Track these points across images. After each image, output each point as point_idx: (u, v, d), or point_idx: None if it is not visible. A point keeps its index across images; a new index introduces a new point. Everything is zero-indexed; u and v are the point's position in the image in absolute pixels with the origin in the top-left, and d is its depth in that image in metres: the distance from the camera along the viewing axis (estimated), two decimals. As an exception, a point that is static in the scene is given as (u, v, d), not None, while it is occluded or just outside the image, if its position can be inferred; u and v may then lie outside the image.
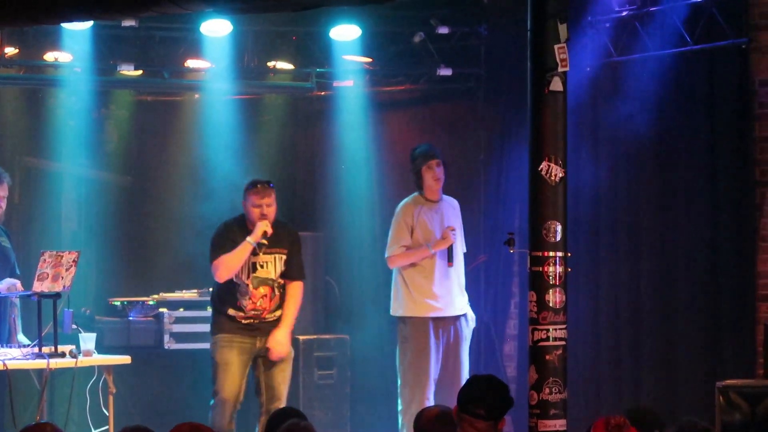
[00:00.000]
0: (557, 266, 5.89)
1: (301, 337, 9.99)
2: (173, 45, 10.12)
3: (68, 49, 9.85)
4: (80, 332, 8.42)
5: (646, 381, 9.02)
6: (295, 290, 8.49)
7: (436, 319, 8.93)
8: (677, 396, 8.79)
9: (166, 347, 10.00)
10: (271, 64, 10.51)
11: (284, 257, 8.45)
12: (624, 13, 9.21)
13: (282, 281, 8.45)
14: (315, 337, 10.11)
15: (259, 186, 8.40)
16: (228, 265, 8.31)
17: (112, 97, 10.78)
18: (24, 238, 10.10)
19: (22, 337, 8.72)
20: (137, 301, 10.10)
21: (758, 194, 8.58)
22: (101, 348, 8.78)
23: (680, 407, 8.63)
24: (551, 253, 5.88)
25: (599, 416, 5.41)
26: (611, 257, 9.30)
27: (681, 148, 8.95)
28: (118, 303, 10.06)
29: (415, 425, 5.70)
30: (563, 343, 5.89)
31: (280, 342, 8.36)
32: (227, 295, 8.41)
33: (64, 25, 9.37)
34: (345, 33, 10.13)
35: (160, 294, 10.21)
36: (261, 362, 8.42)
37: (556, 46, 5.87)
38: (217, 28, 9.86)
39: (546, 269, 5.88)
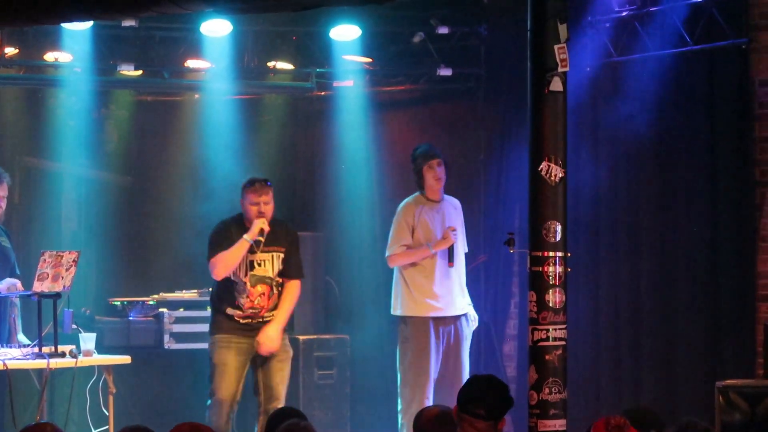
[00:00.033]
0: (557, 266, 5.89)
1: (301, 337, 10.00)
2: (173, 45, 10.12)
3: (68, 49, 9.85)
4: (80, 332, 8.43)
5: (646, 381, 9.02)
6: (292, 288, 8.49)
7: (436, 319, 8.95)
8: (677, 396, 8.79)
9: (166, 347, 10.00)
10: (271, 64, 10.51)
11: (282, 255, 8.46)
12: (624, 13, 9.21)
13: (280, 280, 8.45)
14: (315, 337, 10.11)
15: (256, 184, 8.42)
16: (225, 263, 8.33)
17: (112, 97, 10.79)
18: (24, 238, 10.10)
19: (22, 337, 8.72)
20: (137, 301, 10.10)
21: (758, 194, 8.58)
22: (101, 348, 8.78)
23: (680, 407, 8.63)
24: (551, 253, 5.88)
25: (599, 416, 5.41)
26: (611, 257, 9.30)
27: (681, 148, 8.95)
28: (118, 303, 10.06)
29: (414, 425, 5.70)
30: (563, 343, 5.89)
31: (270, 337, 8.36)
32: (226, 293, 8.42)
33: (64, 25, 9.37)
34: (345, 33, 10.13)
35: (160, 294, 10.21)
36: (259, 362, 8.43)
37: (556, 46, 5.87)
38: (217, 28, 9.86)
39: (546, 269, 5.88)
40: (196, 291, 10.16)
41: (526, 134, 5.98)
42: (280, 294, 8.46)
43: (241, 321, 8.37)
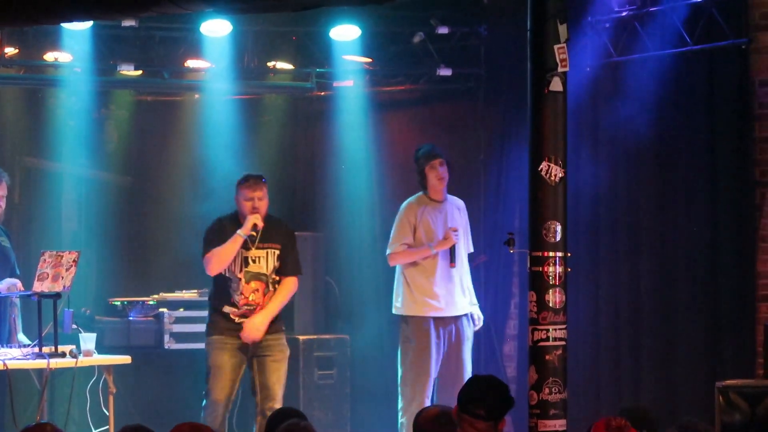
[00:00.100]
0: (557, 266, 5.89)
1: (301, 337, 10.00)
2: (173, 45, 10.12)
3: (68, 49, 9.85)
4: (80, 332, 8.43)
5: (646, 381, 9.02)
6: (288, 284, 8.50)
7: (437, 319, 8.96)
8: (677, 396, 8.79)
9: (166, 347, 10.00)
10: (271, 64, 10.51)
11: (278, 252, 8.47)
12: (624, 14, 9.21)
13: (277, 277, 8.46)
14: (315, 337, 10.11)
15: (250, 179, 8.46)
16: (218, 258, 8.35)
17: (112, 97, 10.79)
18: (24, 238, 10.10)
19: (22, 337, 8.72)
20: (137, 301, 10.10)
21: (758, 194, 8.58)
22: (101, 348, 8.79)
23: (680, 407, 8.63)
24: (551, 253, 5.89)
25: (599, 416, 5.41)
26: (611, 257, 9.30)
27: (681, 149, 8.95)
28: (118, 303, 10.06)
29: (414, 425, 5.70)
30: (563, 343, 5.89)
31: (254, 324, 8.36)
32: (222, 292, 8.44)
33: (64, 25, 9.37)
34: (345, 33, 10.13)
35: (160, 294, 10.21)
36: (256, 362, 8.44)
37: (556, 47, 5.87)
38: (217, 28, 9.86)
39: (546, 269, 5.88)
40: (196, 291, 10.16)
41: (526, 134, 5.98)
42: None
43: (236, 320, 8.38)
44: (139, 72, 10.19)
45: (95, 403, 8.59)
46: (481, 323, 9.17)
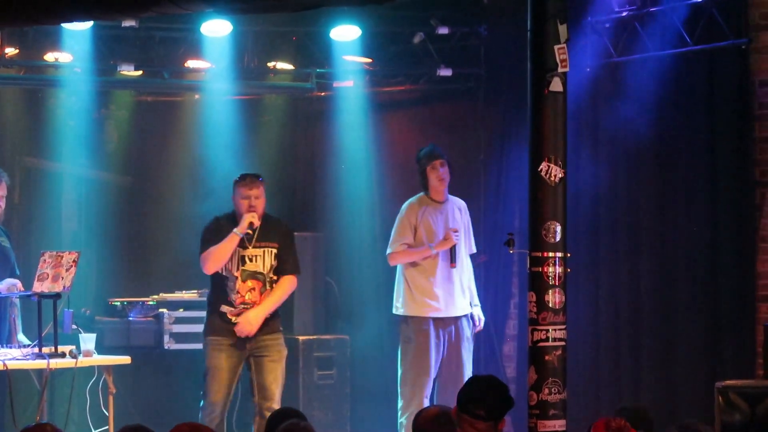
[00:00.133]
0: (557, 267, 5.89)
1: (300, 338, 10.01)
2: (173, 45, 10.12)
3: (68, 49, 9.85)
4: (80, 332, 8.43)
5: (645, 381, 9.02)
6: (285, 282, 8.50)
7: (436, 319, 8.97)
8: (677, 396, 8.79)
9: (166, 347, 10.01)
10: (271, 64, 10.51)
11: (275, 251, 8.47)
12: (624, 14, 9.21)
13: (275, 277, 8.47)
14: (315, 337, 10.11)
15: (247, 178, 8.49)
16: (215, 257, 8.36)
17: (112, 98, 10.79)
18: (24, 238, 10.10)
19: (22, 338, 8.72)
20: (137, 302, 10.10)
21: (758, 194, 8.58)
22: (101, 348, 8.79)
23: (680, 407, 8.64)
24: (551, 254, 5.89)
25: (599, 416, 5.41)
26: (611, 257, 9.30)
27: (681, 149, 8.95)
28: (118, 303, 10.06)
29: (414, 425, 5.70)
30: (563, 343, 5.89)
31: (248, 320, 8.36)
32: (219, 291, 8.46)
33: (64, 25, 9.37)
34: (345, 33, 10.13)
35: (160, 294, 10.21)
36: (253, 362, 8.45)
37: (556, 47, 5.87)
38: (217, 29, 9.86)
39: (545, 270, 5.88)
40: (195, 291, 10.16)
41: (526, 134, 5.98)
42: None
43: (233, 320, 8.38)
44: (139, 72, 10.19)
45: (95, 404, 8.59)
46: (482, 325, 9.18)
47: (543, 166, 5.88)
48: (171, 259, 10.50)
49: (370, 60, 10.47)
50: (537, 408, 5.84)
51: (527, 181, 5.95)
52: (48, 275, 8.13)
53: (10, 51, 9.78)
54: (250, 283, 8.43)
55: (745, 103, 8.60)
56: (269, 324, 8.45)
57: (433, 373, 8.95)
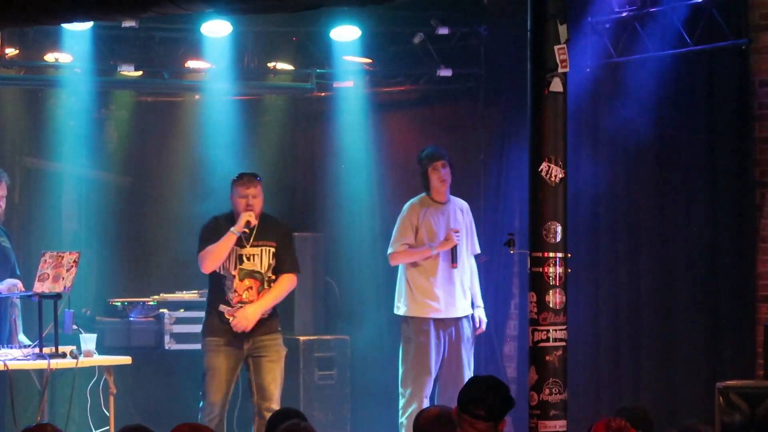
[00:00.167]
0: (557, 267, 5.89)
1: (301, 338, 10.01)
2: (173, 45, 10.12)
3: (68, 49, 9.85)
4: (81, 333, 8.43)
5: (646, 381, 9.02)
6: (284, 280, 8.50)
7: (437, 320, 9.00)
8: (677, 397, 8.79)
9: (166, 348, 10.01)
10: (271, 64, 10.51)
11: (273, 250, 8.48)
12: (624, 14, 9.21)
13: (273, 276, 8.47)
14: (315, 337, 10.11)
15: (245, 177, 8.50)
16: (212, 256, 8.37)
17: (113, 98, 10.79)
18: (24, 238, 10.10)
19: (23, 338, 8.73)
20: (138, 302, 10.10)
21: (758, 195, 8.57)
22: (102, 348, 8.79)
23: (680, 408, 8.64)
24: (551, 254, 5.89)
25: (599, 417, 5.41)
26: (611, 258, 9.30)
27: (681, 149, 8.95)
28: (119, 303, 10.06)
29: (414, 425, 5.70)
30: (563, 343, 5.89)
31: (245, 315, 8.37)
32: (217, 290, 8.48)
33: (65, 25, 9.37)
34: (345, 34, 10.13)
35: (161, 294, 10.22)
36: (252, 363, 8.46)
37: (556, 47, 5.87)
38: (217, 29, 9.86)
39: (546, 270, 5.88)
40: (196, 292, 10.16)
41: (526, 135, 5.98)
42: None
43: (230, 320, 8.38)
44: (140, 72, 10.19)
45: (96, 404, 8.59)
46: (484, 327, 9.20)
47: (543, 166, 5.89)
48: (171, 259, 10.51)
49: (370, 60, 10.47)
50: (538, 408, 5.84)
51: (527, 181, 5.95)
52: (48, 275, 8.14)
53: (11, 51, 9.78)
54: (247, 282, 8.43)
55: (745, 103, 8.60)
56: (267, 324, 8.46)
57: (433, 373, 8.97)
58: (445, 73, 10.32)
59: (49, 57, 9.99)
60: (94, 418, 8.73)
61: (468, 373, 8.95)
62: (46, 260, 8.16)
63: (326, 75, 10.52)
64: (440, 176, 9.05)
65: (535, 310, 5.89)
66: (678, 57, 8.84)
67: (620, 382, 9.21)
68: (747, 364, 8.41)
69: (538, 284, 5.90)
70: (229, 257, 8.40)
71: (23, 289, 8.56)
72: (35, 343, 8.23)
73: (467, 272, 9.14)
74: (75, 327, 8.51)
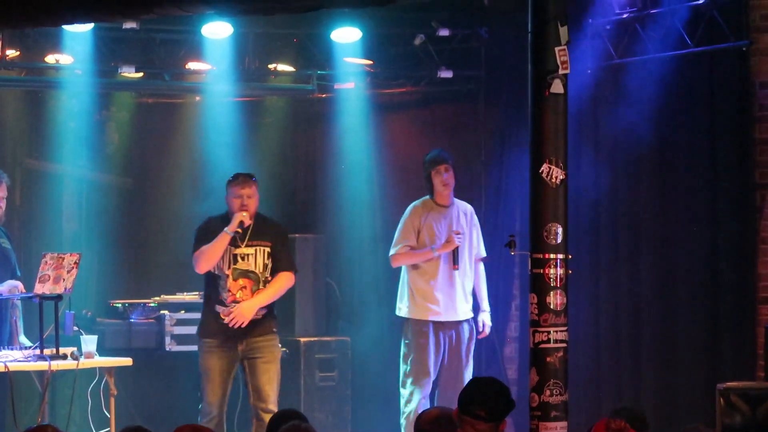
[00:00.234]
0: (558, 268, 5.89)
1: (302, 339, 10.01)
2: (174, 47, 10.12)
3: (69, 51, 9.85)
4: (81, 334, 8.44)
5: (646, 383, 9.02)
6: (280, 278, 8.52)
7: (437, 323, 9.02)
8: (678, 398, 8.79)
9: (167, 349, 10.01)
10: (271, 66, 10.51)
11: (268, 250, 8.49)
12: (624, 16, 9.20)
13: (270, 276, 8.48)
14: (316, 339, 10.11)
15: (240, 178, 8.54)
16: (206, 256, 8.39)
17: (113, 99, 10.79)
18: (25, 239, 10.11)
19: (23, 339, 8.73)
20: (138, 303, 10.11)
21: (758, 196, 8.57)
22: (102, 350, 8.79)
23: (681, 409, 8.64)
24: (552, 256, 5.89)
25: (600, 418, 5.41)
26: (612, 259, 9.30)
27: (681, 150, 8.94)
28: (120, 305, 10.06)
29: (415, 426, 5.70)
30: (564, 345, 5.89)
31: (240, 310, 8.39)
32: (212, 290, 8.51)
33: (65, 27, 9.37)
34: (346, 35, 10.13)
35: (161, 296, 10.22)
36: (247, 365, 8.48)
37: (556, 49, 5.88)
38: (217, 31, 9.86)
39: (547, 271, 5.89)
40: (197, 293, 10.14)
41: (527, 136, 5.98)
42: None
43: (225, 320, 8.40)
44: (140, 74, 10.19)
45: (96, 405, 8.60)
46: (488, 331, 9.22)
47: (544, 167, 5.89)
48: (172, 260, 10.50)
49: (370, 62, 10.47)
50: (538, 410, 5.84)
51: (528, 182, 5.96)
52: (49, 277, 8.14)
53: (11, 53, 9.78)
54: (241, 282, 8.45)
55: (745, 104, 8.59)
56: (262, 325, 8.47)
57: (432, 374, 8.99)
58: (446, 74, 10.33)
59: (50, 58, 9.99)
60: (95, 419, 8.73)
61: (467, 376, 8.97)
62: (46, 261, 8.16)
63: (327, 76, 10.52)
64: (443, 180, 9.08)
65: (536, 311, 5.89)
66: (678, 58, 8.84)
67: (621, 383, 9.21)
68: (747, 365, 8.41)
69: (539, 286, 5.90)
70: (223, 257, 8.42)
71: (24, 290, 8.56)
72: (36, 344, 8.23)
73: (469, 275, 9.16)
74: (76, 328, 8.52)
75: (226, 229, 8.38)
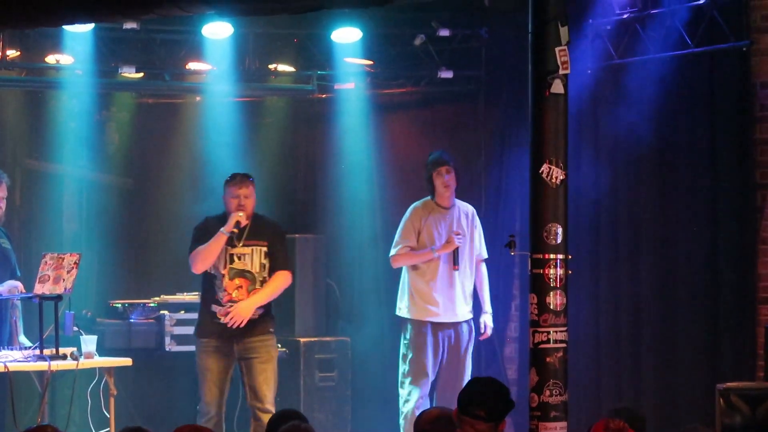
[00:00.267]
0: (558, 269, 5.89)
1: (302, 340, 10.02)
2: (174, 47, 10.12)
3: (70, 51, 9.85)
4: (81, 334, 8.44)
5: (646, 383, 9.01)
6: (277, 276, 8.53)
7: (435, 323, 9.03)
8: (678, 398, 8.78)
9: (167, 349, 10.00)
10: (272, 66, 10.51)
11: (264, 249, 8.50)
12: (625, 16, 9.20)
13: (266, 276, 8.49)
14: (316, 339, 10.12)
15: (237, 178, 8.56)
16: (202, 256, 8.41)
17: (114, 100, 10.79)
18: (25, 239, 10.11)
19: (23, 339, 8.73)
20: (138, 303, 10.11)
21: (759, 196, 8.57)
22: (102, 350, 8.79)
23: (680, 409, 8.63)
24: (552, 256, 5.89)
25: (599, 418, 5.41)
26: (612, 259, 9.30)
27: (682, 150, 8.94)
28: (119, 305, 10.06)
29: (415, 427, 5.71)
30: (564, 345, 5.89)
31: (238, 310, 8.40)
32: (209, 289, 8.53)
33: (66, 27, 9.37)
34: (346, 35, 10.12)
35: (161, 296, 10.22)
36: (243, 365, 8.50)
37: (557, 49, 5.88)
38: (218, 31, 9.86)
39: (547, 272, 5.89)
40: (197, 293, 10.12)
41: (527, 136, 5.98)
42: None
43: (222, 320, 8.40)
44: (141, 74, 10.18)
45: (96, 405, 8.60)
46: (489, 332, 9.23)
47: (544, 168, 5.89)
48: (172, 260, 10.50)
49: (371, 62, 10.47)
50: (538, 410, 5.84)
51: (528, 183, 5.95)
52: (49, 277, 8.14)
53: (12, 53, 9.78)
54: (237, 281, 8.46)
55: (746, 105, 8.59)
56: (259, 325, 8.48)
57: (430, 375, 9.01)
58: (446, 74, 10.32)
59: (50, 59, 9.98)
60: (95, 419, 8.74)
61: (467, 377, 8.98)
62: (46, 262, 8.16)
63: (327, 77, 10.51)
64: (444, 182, 9.08)
65: (536, 311, 5.89)
66: (679, 59, 8.84)
67: (621, 383, 9.21)
68: (747, 365, 8.40)
69: (539, 286, 5.90)
70: (219, 256, 8.43)
71: (24, 290, 8.56)
72: (36, 344, 8.23)
73: (469, 276, 9.16)
74: (75, 328, 8.52)
75: (222, 229, 8.39)
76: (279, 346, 9.12)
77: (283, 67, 10.53)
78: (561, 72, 5.87)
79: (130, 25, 9.59)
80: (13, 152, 10.36)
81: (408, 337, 9.06)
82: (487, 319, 9.22)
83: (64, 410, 8.76)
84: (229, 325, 8.38)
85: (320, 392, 9.99)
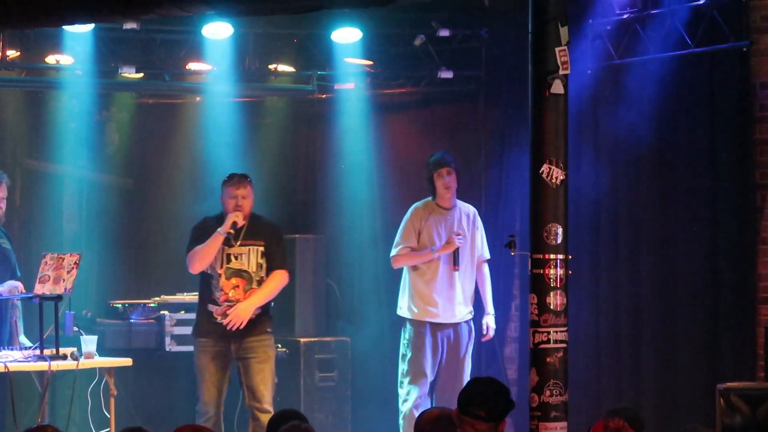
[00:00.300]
0: (558, 269, 5.90)
1: (302, 340, 10.02)
2: (174, 47, 10.12)
3: (69, 51, 9.85)
4: (81, 334, 8.44)
5: (646, 383, 9.02)
6: (274, 276, 8.53)
7: (434, 324, 9.03)
8: (678, 398, 8.79)
9: (167, 349, 10.00)
10: (272, 66, 10.51)
11: (261, 249, 8.51)
12: (625, 16, 9.21)
13: (263, 275, 8.49)
14: (316, 339, 10.12)
15: (235, 178, 8.58)
16: (199, 256, 8.42)
17: (114, 100, 10.79)
18: (25, 240, 10.11)
19: (23, 340, 8.74)
20: (138, 304, 10.11)
21: (759, 197, 8.57)
22: (102, 350, 8.79)
23: (681, 409, 8.64)
24: (552, 256, 5.89)
25: (599, 418, 5.41)
26: (612, 259, 9.30)
27: (682, 150, 8.94)
28: (120, 305, 10.06)
29: (415, 427, 5.71)
30: (564, 345, 5.90)
31: (237, 312, 8.40)
32: (206, 290, 8.55)
33: (66, 27, 9.37)
34: (346, 36, 10.12)
35: (161, 296, 10.22)
36: (241, 366, 8.50)
37: (557, 49, 5.88)
38: (218, 31, 9.86)
39: (547, 272, 5.89)
40: (197, 293, 10.14)
41: (527, 137, 5.99)
42: None
43: (218, 319, 8.41)
44: (141, 74, 10.18)
45: (96, 406, 8.60)
46: (491, 333, 9.23)
47: (544, 168, 5.89)
48: (172, 261, 10.47)
49: (371, 62, 10.47)
50: (538, 410, 5.84)
51: (528, 183, 5.95)
52: (49, 277, 8.14)
53: (12, 53, 9.78)
54: (234, 281, 8.47)
55: (745, 105, 8.60)
56: (256, 325, 8.48)
57: (429, 375, 9.01)
58: (446, 75, 10.32)
59: (50, 59, 9.99)
60: (95, 419, 8.74)
61: (466, 377, 8.98)
62: (46, 262, 8.16)
63: (327, 77, 10.52)
64: (444, 183, 9.09)
65: (536, 311, 5.89)
66: (679, 59, 8.84)
67: (621, 383, 9.21)
68: (748, 365, 8.41)
69: (539, 286, 5.90)
70: (216, 256, 8.44)
71: (24, 290, 8.56)
72: (36, 344, 8.23)
73: (470, 277, 9.16)
74: (76, 329, 8.52)
75: (219, 229, 8.41)
76: (279, 346, 9.13)
77: (283, 68, 10.53)
78: (561, 72, 5.87)
79: (130, 26, 9.59)
80: (13, 152, 10.36)
81: (407, 336, 9.07)
82: (489, 321, 9.23)
83: (65, 410, 8.76)
84: (228, 328, 8.38)
85: (320, 392, 9.99)
